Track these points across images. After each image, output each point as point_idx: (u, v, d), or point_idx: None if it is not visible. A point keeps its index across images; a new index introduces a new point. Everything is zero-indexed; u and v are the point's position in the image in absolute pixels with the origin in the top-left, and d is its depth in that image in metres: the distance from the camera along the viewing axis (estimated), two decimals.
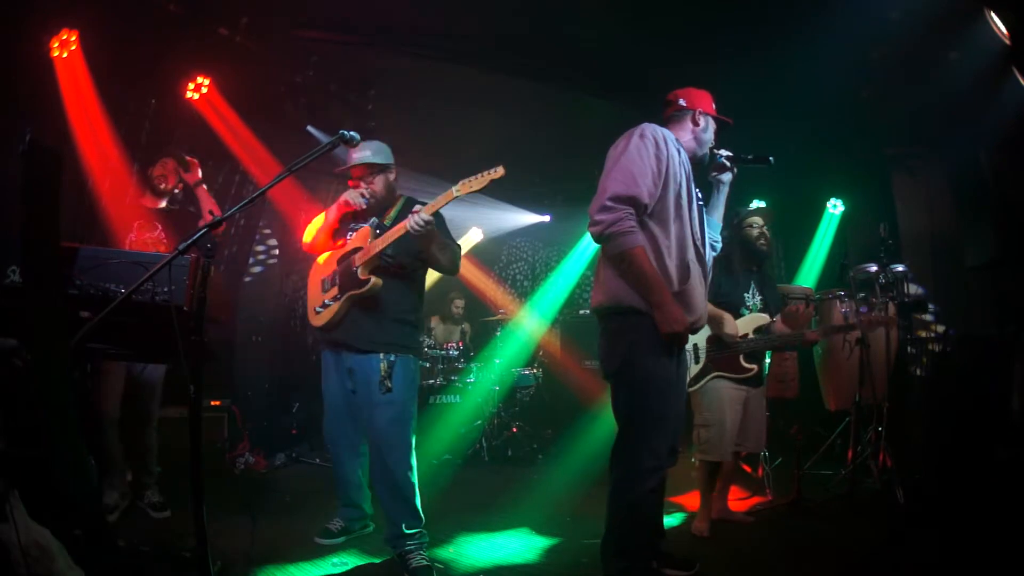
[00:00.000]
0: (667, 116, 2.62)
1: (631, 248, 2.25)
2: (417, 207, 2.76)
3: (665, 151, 2.35)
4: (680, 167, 2.40)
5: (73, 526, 2.23)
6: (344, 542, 3.12)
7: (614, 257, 2.32)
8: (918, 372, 4.79)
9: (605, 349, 2.44)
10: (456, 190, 2.62)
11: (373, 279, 2.84)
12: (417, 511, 2.87)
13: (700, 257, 2.45)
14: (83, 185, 4.00)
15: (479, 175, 2.58)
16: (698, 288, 2.40)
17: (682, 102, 2.59)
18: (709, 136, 2.59)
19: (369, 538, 3.19)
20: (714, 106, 2.63)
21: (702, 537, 3.26)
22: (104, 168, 4.10)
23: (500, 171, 2.56)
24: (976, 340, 4.71)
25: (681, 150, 2.47)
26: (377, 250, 2.83)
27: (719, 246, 2.68)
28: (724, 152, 2.61)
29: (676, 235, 2.35)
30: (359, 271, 2.86)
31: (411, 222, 2.68)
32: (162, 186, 3.56)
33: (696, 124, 2.56)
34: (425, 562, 2.77)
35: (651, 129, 2.38)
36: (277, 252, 6.74)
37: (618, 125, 2.49)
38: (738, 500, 4.04)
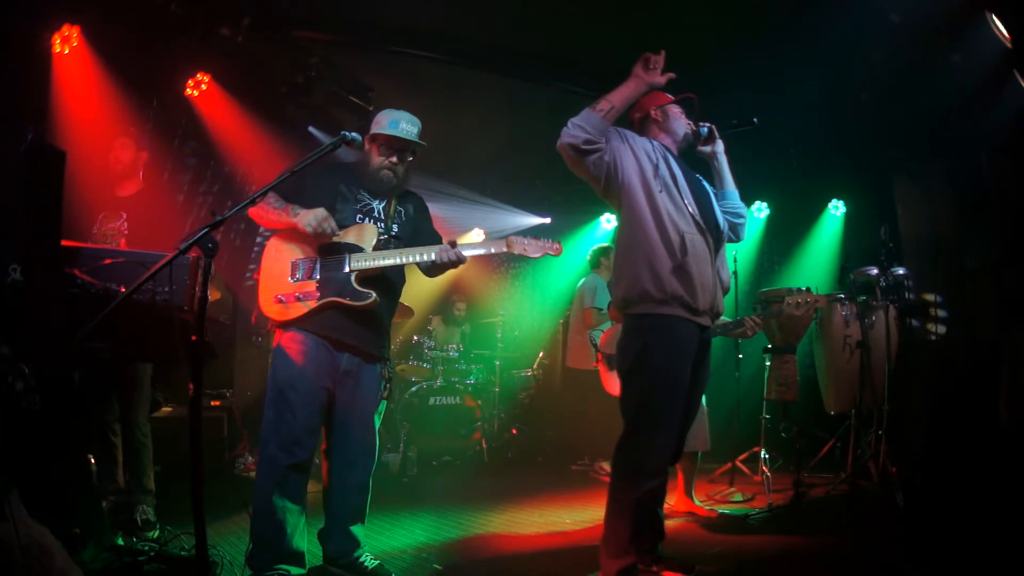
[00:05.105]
0: (641, 131, 2.74)
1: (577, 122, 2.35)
2: (447, 243, 2.55)
3: (622, 136, 2.49)
4: (655, 151, 2.53)
5: (73, 526, 2.23)
6: None
7: (581, 137, 2.34)
8: (918, 374, 4.78)
9: (621, 346, 2.48)
10: (509, 243, 2.55)
11: (374, 295, 2.49)
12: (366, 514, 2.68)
13: (702, 230, 2.47)
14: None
15: (539, 242, 2.58)
16: (700, 258, 2.41)
17: (636, 114, 2.76)
18: (677, 123, 2.70)
19: None
20: (667, 95, 2.73)
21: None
22: (83, 160, 3.81)
23: (559, 247, 2.62)
24: (977, 342, 4.70)
25: (655, 142, 2.59)
26: (387, 264, 2.52)
27: (744, 211, 2.74)
28: (705, 125, 2.72)
29: (665, 208, 2.41)
30: (353, 278, 2.49)
31: (446, 255, 2.50)
32: (119, 168, 3.40)
33: (657, 120, 2.71)
34: (378, 560, 2.64)
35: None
36: None
37: (618, 127, 2.52)
38: (738, 503, 4.04)
